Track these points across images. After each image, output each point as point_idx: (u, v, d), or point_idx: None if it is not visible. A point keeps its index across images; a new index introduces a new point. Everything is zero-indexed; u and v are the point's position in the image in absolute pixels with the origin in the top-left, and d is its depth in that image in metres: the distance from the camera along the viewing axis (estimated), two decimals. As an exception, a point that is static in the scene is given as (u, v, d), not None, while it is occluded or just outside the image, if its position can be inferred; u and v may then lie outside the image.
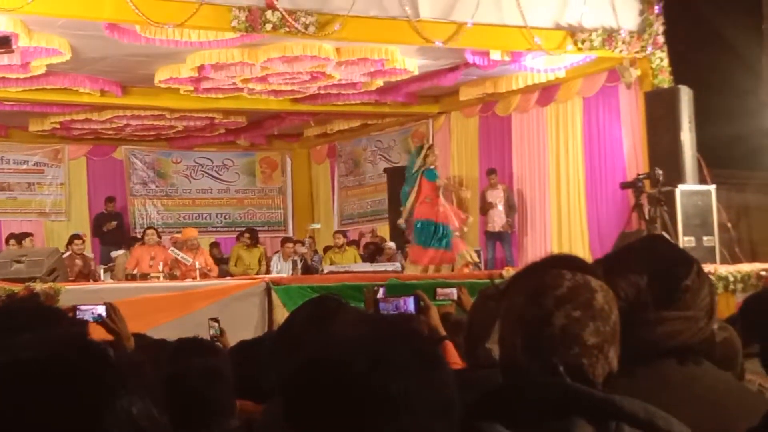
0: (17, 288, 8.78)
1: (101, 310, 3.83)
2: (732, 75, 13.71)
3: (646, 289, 2.17)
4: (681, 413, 1.78)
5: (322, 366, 1.53)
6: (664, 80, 12.99)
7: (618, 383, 1.87)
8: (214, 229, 19.57)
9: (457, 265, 12.38)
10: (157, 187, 19.80)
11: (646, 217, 11.60)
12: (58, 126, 16.96)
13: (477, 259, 12.91)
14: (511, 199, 15.34)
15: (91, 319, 3.79)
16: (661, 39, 13.02)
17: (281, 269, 15.40)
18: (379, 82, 14.61)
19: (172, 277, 13.47)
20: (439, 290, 5.01)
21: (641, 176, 12.04)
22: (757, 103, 14.13)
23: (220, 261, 16.29)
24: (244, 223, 19.58)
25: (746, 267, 10.97)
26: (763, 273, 10.66)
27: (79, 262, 14.44)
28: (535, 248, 15.15)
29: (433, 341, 1.65)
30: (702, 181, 12.38)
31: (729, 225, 12.34)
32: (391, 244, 15.47)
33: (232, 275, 14.91)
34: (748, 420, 1.87)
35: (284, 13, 10.93)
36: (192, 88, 14.47)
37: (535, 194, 15.47)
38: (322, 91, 15.15)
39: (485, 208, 15.37)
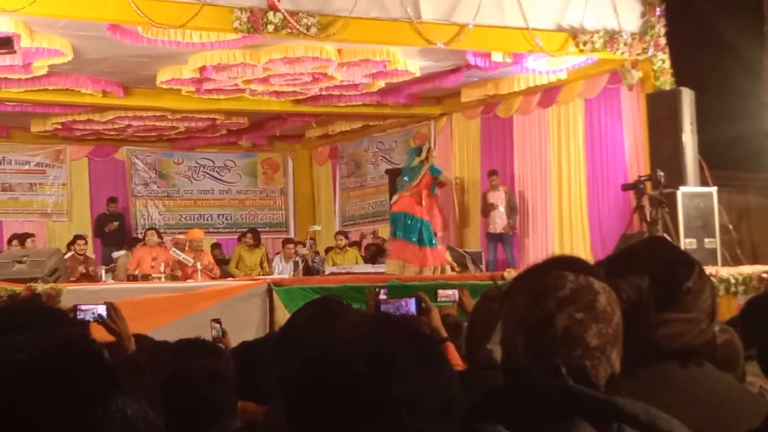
0: (19, 288, 8.78)
1: (102, 310, 3.83)
2: (733, 77, 13.69)
3: (648, 290, 2.17)
4: (682, 415, 1.78)
5: (324, 366, 1.53)
6: (666, 82, 12.99)
7: (619, 385, 1.87)
8: (216, 230, 19.57)
9: (433, 272, 12.10)
10: (158, 187, 19.81)
11: (648, 218, 11.60)
12: (59, 127, 16.97)
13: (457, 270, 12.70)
14: (512, 200, 15.34)
15: (91, 319, 3.79)
16: (662, 41, 13.03)
17: (282, 270, 15.41)
18: (381, 84, 14.61)
19: (173, 277, 13.48)
20: (441, 292, 4.99)
21: (643, 178, 12.04)
22: (759, 105, 14.12)
23: (222, 262, 16.30)
24: (246, 224, 19.58)
25: (748, 269, 10.98)
26: (764, 275, 10.66)
27: (81, 262, 14.44)
28: (536, 250, 15.15)
29: (436, 342, 1.64)
30: (703, 182, 12.38)
31: (730, 227, 12.34)
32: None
33: (232, 276, 14.91)
34: (749, 422, 1.87)
35: (286, 14, 10.94)
36: (194, 89, 14.48)
37: (537, 196, 15.47)
38: (323, 93, 15.16)
39: (487, 209, 15.38)
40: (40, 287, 8.86)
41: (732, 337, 3.21)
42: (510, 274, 10.61)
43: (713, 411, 2.08)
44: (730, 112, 13.52)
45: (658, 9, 13.02)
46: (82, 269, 14.26)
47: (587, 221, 14.62)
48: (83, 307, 3.83)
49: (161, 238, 15.64)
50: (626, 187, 12.52)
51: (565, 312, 1.85)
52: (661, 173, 11.63)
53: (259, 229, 17.95)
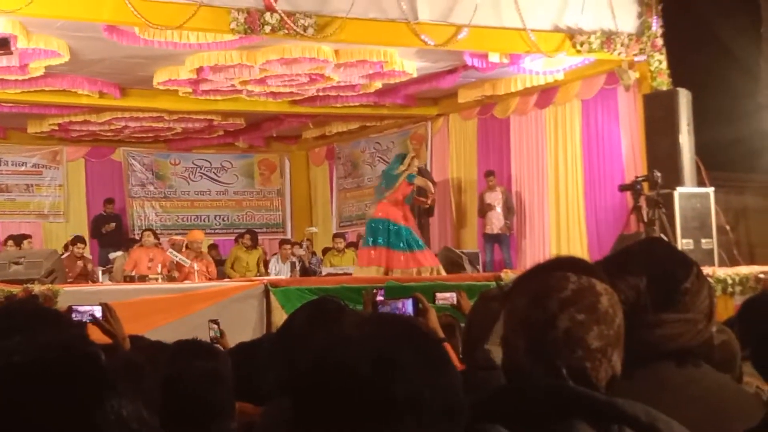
0: (16, 289, 8.77)
1: (97, 311, 3.82)
2: (730, 78, 13.71)
3: (646, 291, 2.17)
4: (679, 415, 1.79)
5: (328, 368, 1.53)
6: (663, 83, 13.00)
7: (617, 385, 1.87)
8: (213, 231, 19.56)
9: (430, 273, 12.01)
10: (155, 188, 19.80)
11: (645, 219, 11.60)
12: (56, 128, 16.95)
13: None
14: (509, 201, 15.34)
15: (87, 320, 3.78)
16: (659, 41, 13.04)
17: (279, 271, 15.40)
18: (378, 84, 14.61)
19: (170, 278, 13.47)
20: (439, 295, 4.97)
21: (640, 179, 12.04)
22: (756, 106, 14.14)
23: (219, 263, 16.30)
24: (243, 224, 19.59)
25: (744, 269, 10.98)
26: (761, 275, 10.66)
27: (78, 263, 14.44)
28: (533, 251, 15.15)
29: (440, 342, 1.63)
30: (700, 183, 12.39)
31: (727, 227, 12.35)
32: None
33: (228, 277, 14.91)
34: (746, 422, 1.87)
35: (283, 15, 10.94)
36: (190, 90, 14.47)
37: (534, 196, 15.48)
38: (320, 93, 15.15)
39: (483, 210, 15.38)
40: (37, 288, 8.84)
41: (729, 337, 3.21)
42: (507, 274, 10.60)
43: (710, 411, 2.08)
44: (727, 113, 13.54)
45: (654, 9, 13.03)
46: (79, 270, 14.26)
47: (584, 222, 14.63)
48: (79, 308, 3.82)
49: (158, 239, 15.63)
50: (623, 188, 12.52)
51: (566, 313, 1.85)
52: (658, 174, 11.64)
53: (256, 230, 17.94)
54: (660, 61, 13.05)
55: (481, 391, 1.75)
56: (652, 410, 1.72)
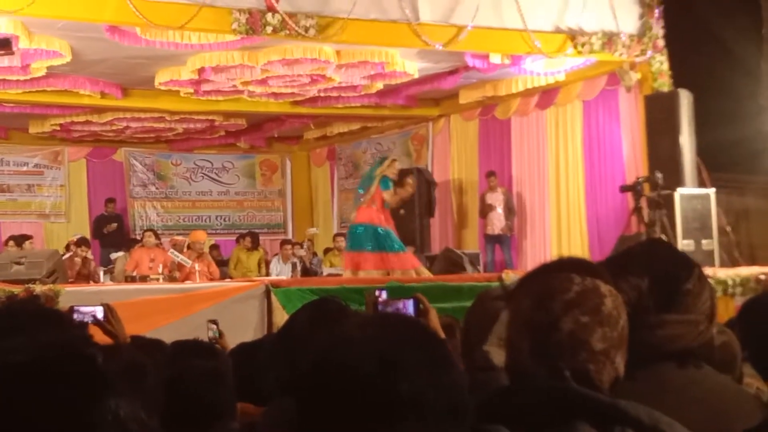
0: (17, 289, 8.77)
1: (98, 311, 3.82)
2: (731, 79, 13.71)
3: (647, 292, 2.17)
4: (680, 416, 1.79)
5: (332, 368, 1.53)
6: (664, 84, 12.99)
7: (618, 386, 1.87)
8: (214, 232, 19.56)
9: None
10: (156, 189, 19.81)
11: (646, 220, 11.60)
12: (58, 128, 16.96)
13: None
14: (510, 202, 15.34)
15: (88, 321, 3.78)
16: (661, 42, 13.03)
17: (280, 272, 15.40)
18: (379, 85, 14.61)
19: (171, 279, 13.47)
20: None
21: (641, 180, 12.04)
22: (757, 107, 14.13)
23: (220, 263, 16.30)
24: (244, 225, 19.60)
25: (745, 270, 10.97)
26: (762, 276, 10.65)
27: (79, 263, 14.43)
28: (534, 251, 15.15)
29: (443, 342, 1.63)
30: (701, 184, 12.38)
31: (728, 229, 12.34)
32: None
33: (231, 278, 14.91)
34: (747, 423, 1.88)
35: (284, 15, 10.94)
36: (192, 91, 14.47)
37: (535, 197, 15.47)
38: (322, 94, 15.15)
39: (484, 211, 15.37)
40: (38, 289, 8.84)
41: (730, 338, 3.21)
42: (508, 275, 10.59)
43: (711, 412, 2.08)
44: (729, 114, 13.54)
45: (656, 11, 13.02)
46: (80, 270, 14.26)
47: (585, 223, 14.62)
48: (80, 309, 3.82)
49: (159, 239, 15.63)
50: (624, 189, 12.52)
51: (570, 315, 1.84)
52: (659, 175, 11.63)
53: (257, 231, 17.94)
54: (661, 62, 13.05)
55: (482, 392, 1.75)
56: (655, 412, 1.72)
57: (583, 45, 12.59)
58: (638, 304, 2.15)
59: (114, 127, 17.19)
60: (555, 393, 1.72)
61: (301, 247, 16.58)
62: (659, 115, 12.59)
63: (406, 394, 1.48)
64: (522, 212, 15.60)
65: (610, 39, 12.72)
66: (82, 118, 16.30)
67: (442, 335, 3.77)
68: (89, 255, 15.16)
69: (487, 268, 14.63)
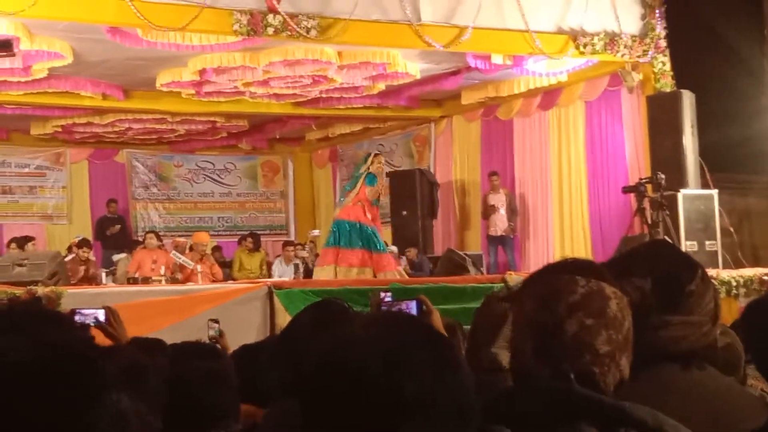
0: (19, 291, 8.77)
1: (100, 314, 3.82)
2: (734, 79, 13.69)
3: (650, 293, 2.16)
4: (684, 418, 1.78)
5: (337, 368, 1.52)
6: (666, 84, 12.99)
7: (623, 389, 1.87)
8: (216, 233, 19.55)
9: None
10: (158, 190, 19.82)
11: (649, 221, 11.58)
12: (59, 129, 16.97)
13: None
14: (513, 203, 15.34)
15: (90, 323, 3.77)
16: (663, 43, 13.03)
17: (283, 273, 15.39)
18: (381, 86, 14.61)
19: (173, 281, 13.47)
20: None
21: (643, 180, 12.03)
22: (759, 107, 14.12)
23: (222, 265, 16.29)
24: (246, 227, 19.60)
25: (749, 271, 10.97)
26: (765, 277, 10.65)
27: (81, 265, 14.43)
28: (537, 252, 15.15)
29: (449, 342, 1.62)
30: (704, 185, 12.37)
31: (731, 229, 12.32)
32: (393, 248, 15.46)
33: (235, 280, 14.89)
34: (751, 425, 1.87)
35: (286, 16, 10.94)
36: (194, 92, 14.48)
37: (537, 198, 15.47)
38: (323, 95, 15.16)
39: (487, 212, 15.37)
40: (40, 290, 8.84)
41: (733, 340, 3.20)
42: (511, 276, 10.60)
43: (715, 414, 2.08)
44: (731, 114, 13.51)
45: (658, 11, 13.02)
46: (82, 272, 14.25)
47: (588, 224, 14.62)
48: (82, 311, 3.82)
49: (161, 240, 15.63)
50: (627, 190, 12.51)
51: (575, 318, 1.84)
52: (662, 176, 11.62)
53: (259, 232, 17.94)
54: (663, 62, 13.04)
55: (487, 393, 1.74)
56: (659, 414, 1.71)
57: (585, 46, 12.59)
58: (641, 305, 2.14)
59: (116, 129, 17.21)
60: (559, 395, 1.71)
61: (303, 248, 16.57)
62: (662, 116, 12.58)
63: (412, 394, 1.47)
64: (525, 213, 15.59)
65: (612, 39, 12.72)
66: (83, 120, 16.31)
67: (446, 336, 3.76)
68: (91, 256, 15.16)
69: (489, 269, 14.63)
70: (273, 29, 10.94)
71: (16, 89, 13.76)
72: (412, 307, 3.33)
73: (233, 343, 4.45)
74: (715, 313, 2.21)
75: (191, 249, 14.73)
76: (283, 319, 9.18)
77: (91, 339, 1.58)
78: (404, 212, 15.84)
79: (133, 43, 11.53)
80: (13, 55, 11.39)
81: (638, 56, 12.98)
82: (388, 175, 17.72)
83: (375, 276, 11.77)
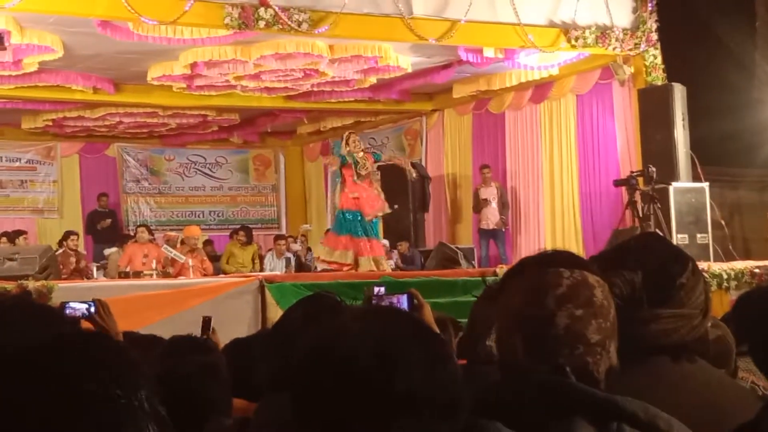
0: (10, 286, 8.75)
1: (90, 306, 3.81)
2: (725, 72, 13.70)
3: (641, 286, 2.16)
4: (675, 410, 1.78)
5: (326, 361, 1.52)
6: (658, 77, 13.00)
7: (613, 375, 1.87)
8: (207, 227, 19.53)
9: (361, 268, 12.10)
10: (150, 184, 19.79)
11: (640, 214, 11.60)
12: (50, 123, 16.93)
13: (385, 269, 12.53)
14: (504, 196, 15.35)
15: (80, 316, 3.76)
16: (654, 36, 13.04)
17: (274, 267, 15.38)
18: (373, 80, 14.60)
19: (165, 274, 13.45)
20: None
21: (635, 174, 12.05)
22: (750, 101, 14.14)
23: (214, 259, 16.27)
24: (238, 220, 19.58)
25: (740, 264, 10.98)
26: (756, 270, 10.67)
27: (72, 258, 14.41)
28: (528, 246, 15.15)
29: (439, 336, 1.62)
30: (695, 178, 12.39)
31: (722, 222, 12.35)
32: (385, 241, 15.46)
33: (224, 273, 14.88)
34: (741, 417, 1.87)
35: (277, 10, 10.92)
36: (185, 86, 14.45)
37: (529, 192, 15.48)
38: (315, 89, 15.14)
39: (479, 205, 15.37)
40: (31, 285, 8.82)
41: (724, 332, 3.21)
42: (502, 270, 10.60)
43: (706, 406, 2.08)
44: (722, 107, 13.53)
45: (649, 4, 13.03)
46: (73, 265, 14.23)
47: (579, 217, 14.64)
48: (71, 304, 3.81)
49: (152, 234, 15.61)
50: (618, 183, 12.52)
51: (564, 310, 1.84)
52: (653, 169, 11.64)
53: (251, 226, 17.92)
54: (655, 56, 13.05)
55: (478, 387, 1.74)
56: (651, 407, 1.71)
57: (576, 39, 12.60)
58: (632, 298, 2.14)
59: (107, 123, 17.17)
60: (551, 388, 1.71)
61: (295, 241, 16.57)
62: (653, 109, 12.60)
63: (402, 388, 1.47)
64: (516, 207, 15.60)
65: (603, 33, 12.73)
66: (74, 114, 16.28)
67: (437, 330, 3.76)
68: (81, 249, 15.14)
69: (481, 262, 14.63)
70: (264, 23, 10.92)
71: (7, 83, 13.73)
72: (403, 301, 3.33)
73: (225, 337, 4.45)
74: (706, 305, 2.22)
75: (182, 243, 14.71)
76: (275, 312, 9.19)
77: (87, 334, 1.58)
78: (395, 206, 15.78)
79: (123, 37, 11.51)
80: (4, 49, 11.36)
81: (629, 49, 13.00)
82: (379, 168, 17.73)
83: (356, 260, 11.88)
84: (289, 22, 11.00)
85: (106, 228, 17.59)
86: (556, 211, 14.94)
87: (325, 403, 1.49)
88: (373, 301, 3.54)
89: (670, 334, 2.15)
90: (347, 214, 12.16)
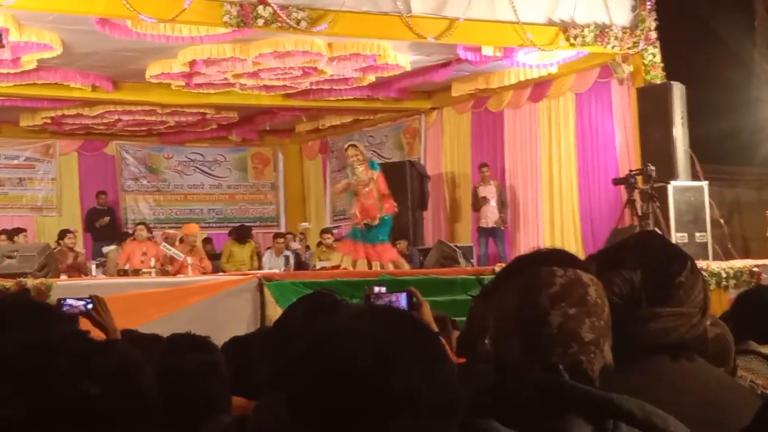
0: (9, 283, 8.74)
1: (88, 303, 3.80)
2: (724, 71, 13.72)
3: (640, 285, 2.16)
4: (674, 409, 1.78)
5: (323, 360, 1.51)
6: (657, 76, 13.00)
7: (610, 380, 1.87)
8: (206, 225, 19.52)
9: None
10: (148, 182, 19.79)
11: (639, 213, 11.60)
12: (49, 121, 16.92)
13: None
14: (503, 194, 15.35)
15: (77, 312, 3.76)
16: (653, 35, 13.03)
17: (273, 265, 15.38)
18: (371, 78, 14.59)
19: (163, 272, 13.44)
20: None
21: (634, 172, 12.04)
22: (749, 99, 14.16)
23: (213, 257, 16.28)
24: (236, 218, 19.59)
25: (739, 263, 10.99)
26: (755, 269, 10.67)
27: (70, 256, 14.41)
28: (527, 244, 15.14)
29: (437, 336, 1.61)
30: (694, 177, 12.39)
31: (721, 221, 12.35)
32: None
33: (223, 271, 14.88)
34: (741, 416, 1.86)
35: (276, 8, 10.92)
36: (183, 84, 14.44)
37: (528, 190, 15.48)
38: (313, 87, 15.14)
39: (478, 204, 15.37)
40: (29, 282, 8.82)
41: (723, 331, 3.20)
42: (500, 268, 10.58)
43: (705, 405, 2.08)
44: (721, 106, 13.55)
45: (648, 3, 13.02)
46: (71, 259, 14.23)
47: (578, 215, 14.64)
48: (68, 301, 3.80)
49: (151, 232, 15.62)
50: (617, 182, 12.52)
51: (558, 309, 1.84)
52: (652, 167, 11.64)
53: (249, 224, 17.93)
54: (654, 54, 13.05)
55: (477, 386, 1.73)
56: (648, 405, 1.71)
57: (575, 37, 12.59)
58: (631, 297, 2.14)
59: (105, 120, 17.17)
60: (547, 387, 1.71)
61: (294, 239, 16.57)
62: (652, 108, 12.59)
63: (399, 387, 1.47)
64: (515, 205, 15.61)
65: (602, 31, 12.72)
66: (73, 111, 16.27)
67: (435, 329, 3.76)
68: (79, 248, 15.13)
69: (480, 261, 14.64)
70: (263, 20, 10.91)
71: (5, 81, 13.72)
72: (402, 299, 3.33)
73: (224, 335, 4.44)
74: (705, 304, 2.21)
75: (181, 241, 14.71)
76: (274, 311, 9.18)
77: (86, 333, 1.57)
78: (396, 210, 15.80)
79: (122, 35, 11.50)
80: (2, 46, 11.35)
81: (629, 48, 12.99)
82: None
83: (370, 266, 11.87)
84: (288, 20, 11.00)
85: (104, 226, 17.59)
86: (555, 210, 14.94)
87: (322, 403, 1.49)
88: (372, 300, 3.54)
89: (669, 333, 2.15)
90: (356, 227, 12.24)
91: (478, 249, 15.23)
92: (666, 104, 12.38)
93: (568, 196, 14.77)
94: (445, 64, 14.39)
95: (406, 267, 12.43)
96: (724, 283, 10.44)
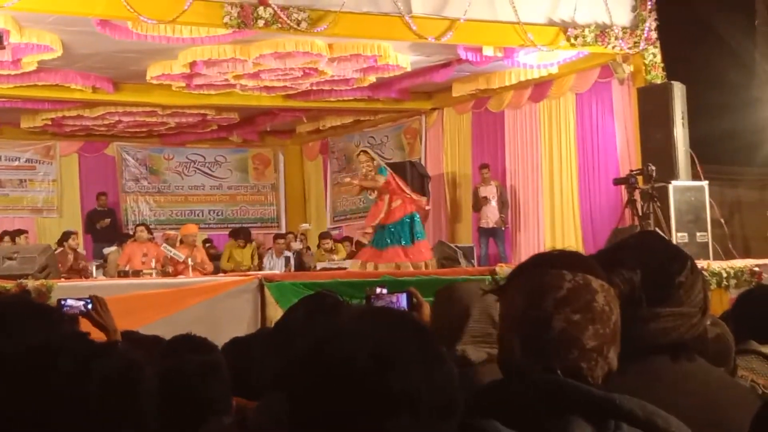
0: (9, 285, 8.74)
1: (87, 303, 3.80)
2: (725, 71, 13.71)
3: (640, 285, 2.16)
4: (674, 409, 1.78)
5: (323, 361, 1.51)
6: (657, 76, 12.99)
7: (611, 380, 1.86)
8: (207, 226, 19.52)
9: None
10: (149, 183, 19.78)
11: (639, 213, 11.60)
12: (49, 122, 16.92)
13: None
14: (503, 195, 15.35)
15: (77, 312, 3.76)
16: (653, 35, 13.03)
17: (274, 266, 15.38)
18: (372, 79, 14.59)
19: (164, 273, 13.45)
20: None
21: (634, 172, 12.04)
22: (750, 99, 14.14)
23: (213, 258, 16.28)
24: (237, 219, 19.59)
25: (739, 263, 10.97)
26: (756, 269, 10.66)
27: (71, 257, 14.41)
28: (528, 244, 15.16)
29: (436, 337, 1.62)
30: (695, 177, 12.38)
31: (722, 221, 12.35)
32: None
33: (224, 272, 14.89)
34: (741, 416, 1.87)
35: (276, 9, 10.92)
36: (184, 85, 14.45)
37: (528, 190, 15.48)
38: (314, 88, 15.14)
39: (479, 204, 15.37)
40: (30, 284, 8.81)
41: (723, 331, 3.20)
42: (502, 269, 10.59)
43: (705, 405, 2.08)
44: (722, 106, 13.53)
45: (649, 3, 13.02)
46: (71, 264, 14.23)
47: (579, 216, 14.64)
48: (68, 302, 3.80)
49: (151, 234, 15.62)
50: (617, 182, 12.52)
51: (561, 313, 1.83)
52: (653, 167, 11.64)
53: (249, 225, 17.93)
54: (654, 54, 13.04)
55: (476, 386, 1.74)
56: (649, 405, 1.71)
57: (576, 38, 12.59)
58: (631, 297, 2.13)
59: (106, 122, 17.17)
60: (548, 387, 1.71)
61: (296, 238, 16.58)
62: (652, 108, 12.59)
63: (399, 388, 1.47)
64: (516, 205, 15.61)
65: (603, 31, 12.72)
66: (73, 113, 16.27)
67: (436, 329, 3.76)
68: (80, 249, 15.14)
69: (480, 261, 14.63)
70: (263, 22, 10.91)
71: (6, 82, 13.73)
72: (402, 300, 3.34)
73: (224, 336, 4.44)
74: (705, 304, 2.21)
75: (181, 242, 14.71)
76: (274, 311, 9.18)
77: (86, 334, 1.58)
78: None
79: (122, 36, 11.50)
80: (3, 48, 11.34)
81: (629, 48, 12.99)
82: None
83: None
84: (288, 21, 11.00)
85: (105, 227, 17.60)
86: (556, 210, 14.93)
87: (323, 404, 1.49)
88: (372, 300, 3.54)
89: (669, 333, 2.15)
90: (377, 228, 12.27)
91: (479, 249, 15.23)
92: (666, 104, 12.37)
93: (568, 197, 14.76)
94: (446, 65, 14.39)
95: (432, 266, 12.34)
96: (724, 282, 10.43)
